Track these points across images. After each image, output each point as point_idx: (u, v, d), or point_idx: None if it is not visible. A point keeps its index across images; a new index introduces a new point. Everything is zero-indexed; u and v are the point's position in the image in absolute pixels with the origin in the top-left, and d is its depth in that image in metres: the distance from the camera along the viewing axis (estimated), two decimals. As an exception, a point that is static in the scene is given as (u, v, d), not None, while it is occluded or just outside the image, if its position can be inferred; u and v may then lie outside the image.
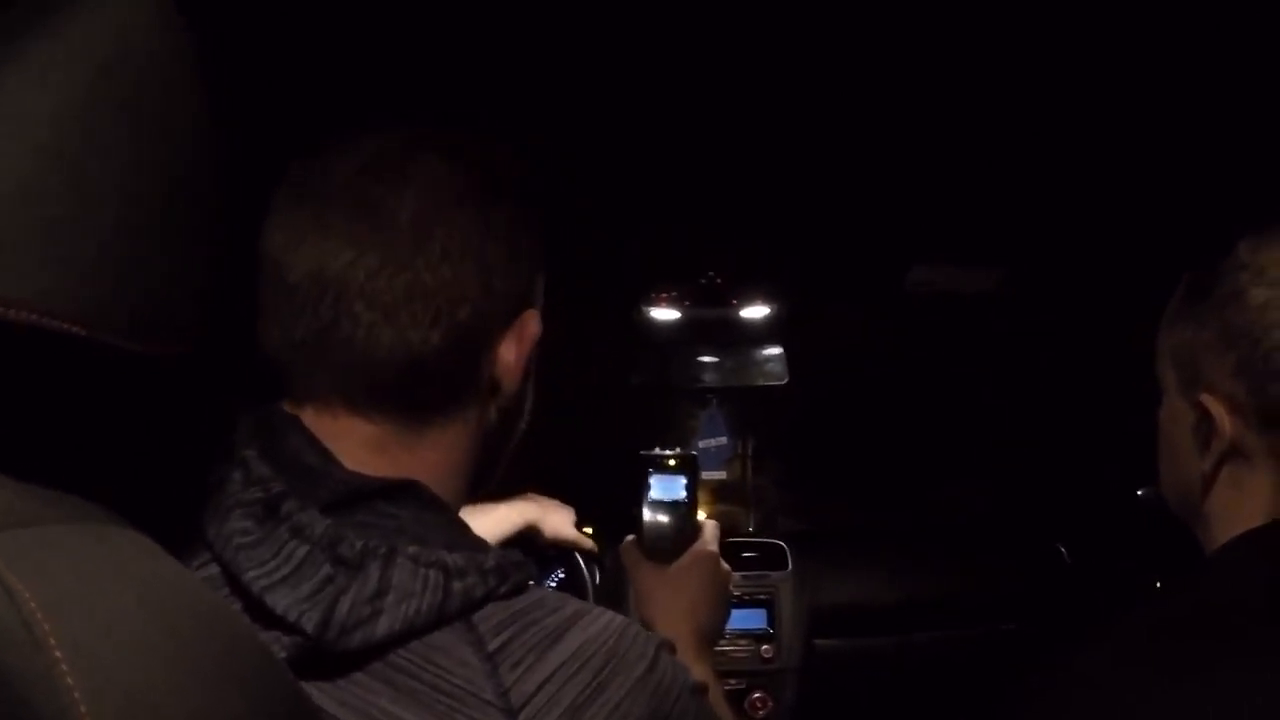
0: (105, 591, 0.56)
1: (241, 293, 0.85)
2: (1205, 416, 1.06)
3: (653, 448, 1.63)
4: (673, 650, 0.89)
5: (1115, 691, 0.97)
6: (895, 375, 2.70)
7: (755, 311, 2.30)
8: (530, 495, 1.38)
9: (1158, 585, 2.19)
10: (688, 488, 1.56)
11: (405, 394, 0.85)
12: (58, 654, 0.50)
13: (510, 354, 0.90)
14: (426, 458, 0.88)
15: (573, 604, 0.84)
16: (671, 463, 1.60)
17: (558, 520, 1.80)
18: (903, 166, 1.83)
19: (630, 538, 1.44)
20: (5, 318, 0.55)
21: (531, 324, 0.91)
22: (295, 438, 0.84)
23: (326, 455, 0.83)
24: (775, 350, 2.42)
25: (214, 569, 0.77)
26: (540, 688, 0.77)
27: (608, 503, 2.67)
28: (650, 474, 1.57)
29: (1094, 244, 2.08)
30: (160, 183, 0.65)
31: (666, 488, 1.57)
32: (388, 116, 0.91)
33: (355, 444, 0.85)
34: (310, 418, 0.85)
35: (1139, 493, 2.32)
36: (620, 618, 0.86)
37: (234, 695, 0.59)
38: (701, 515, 1.48)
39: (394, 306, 0.82)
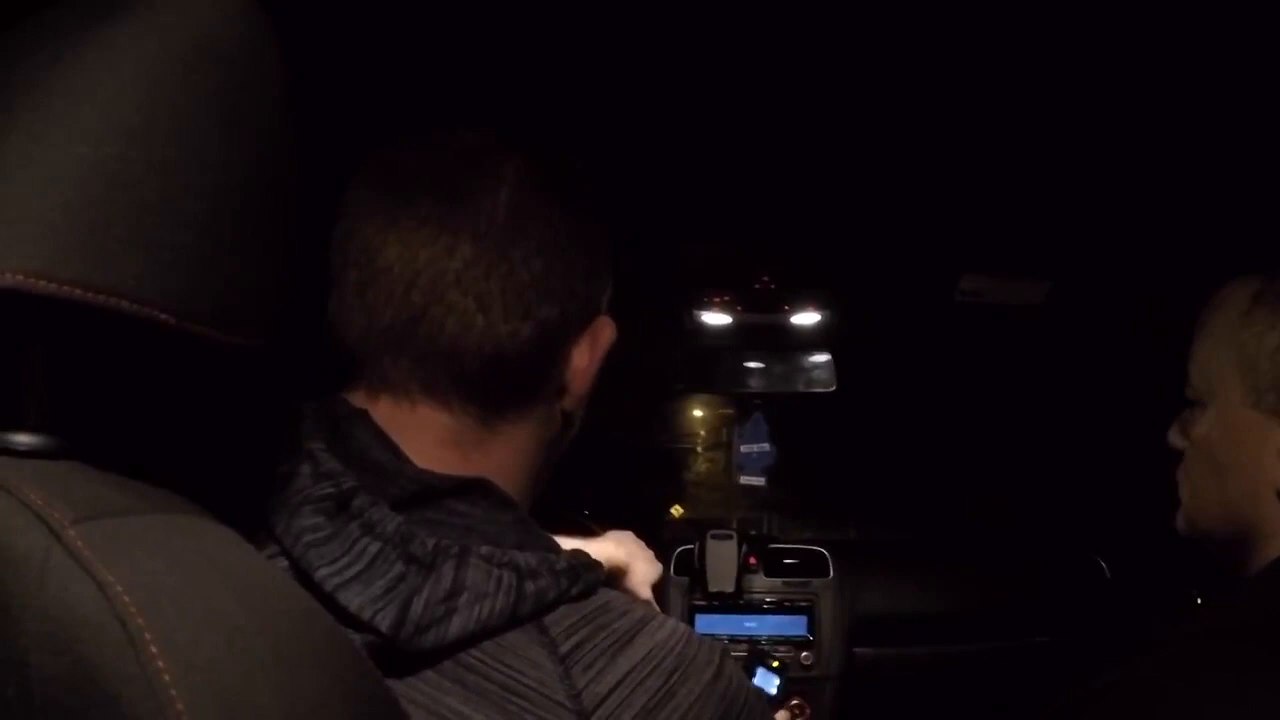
0: (200, 584, 0.55)
1: (303, 288, 0.85)
2: None
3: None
4: (732, 655, 0.90)
5: (1169, 698, 0.97)
6: (941, 385, 2.69)
7: (806, 318, 2.30)
8: (630, 535, 1.38)
9: (1198, 600, 2.17)
10: (780, 686, 1.79)
11: (488, 386, 0.85)
12: (153, 649, 0.50)
13: (584, 358, 0.90)
14: (498, 455, 0.88)
15: (640, 607, 0.85)
16: (775, 663, 1.82)
17: (643, 573, 1.75)
18: (955, 178, 1.83)
19: None
20: (96, 304, 0.55)
21: (607, 330, 0.92)
22: (363, 432, 0.83)
23: (396, 451, 0.82)
24: (824, 357, 2.42)
25: (282, 564, 0.76)
26: (612, 691, 0.76)
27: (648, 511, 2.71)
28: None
29: (1139, 260, 2.07)
30: (245, 174, 0.65)
31: (764, 680, 1.61)
32: (457, 118, 0.91)
33: (430, 438, 0.84)
34: (385, 409, 0.85)
35: None
36: (684, 624, 0.86)
37: (332, 691, 0.59)
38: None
39: (489, 297, 0.82)
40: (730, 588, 2.27)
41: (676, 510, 2.89)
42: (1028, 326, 2.39)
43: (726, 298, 2.18)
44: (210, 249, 0.62)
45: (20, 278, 0.53)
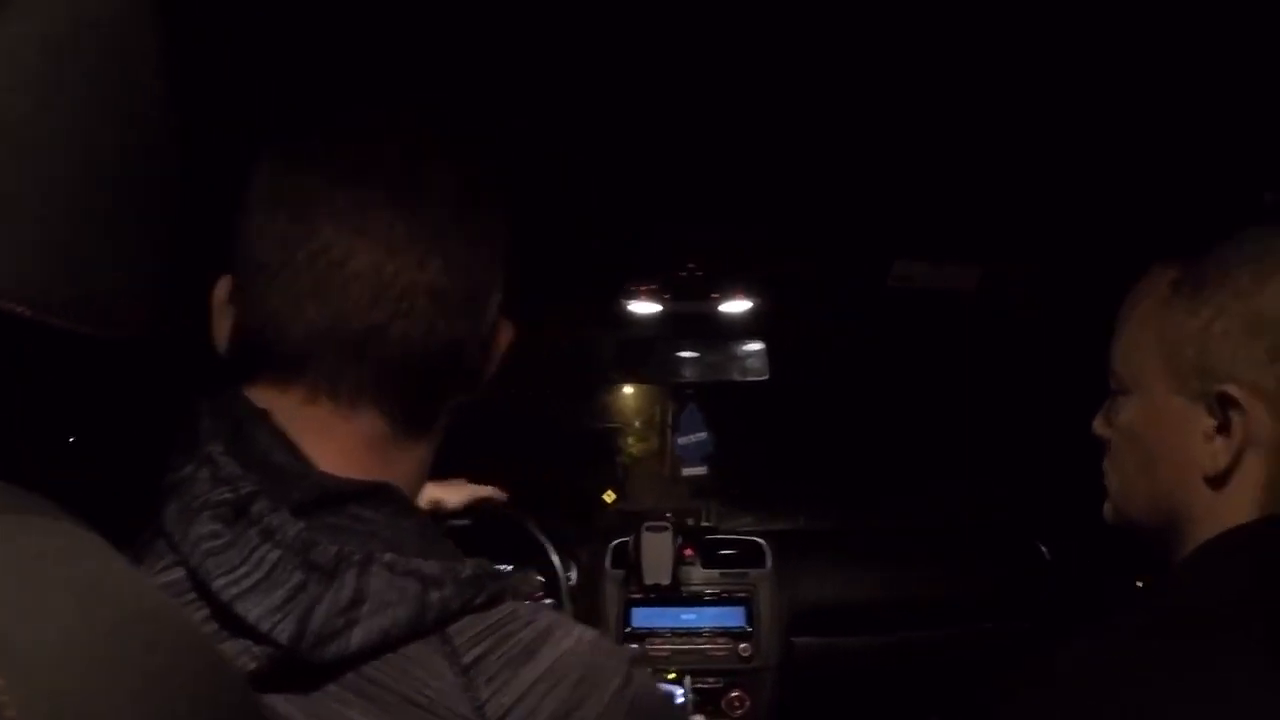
0: (38, 587, 0.53)
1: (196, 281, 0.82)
2: (1227, 408, 1.02)
3: None
4: (643, 664, 0.88)
5: (1090, 691, 0.96)
6: (876, 373, 2.70)
7: (736, 306, 2.29)
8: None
9: (1139, 585, 2.18)
10: None
11: (436, 392, 0.86)
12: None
13: (492, 358, 0.91)
14: (413, 460, 0.87)
15: (546, 616, 0.82)
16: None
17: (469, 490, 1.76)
18: (886, 164, 1.82)
19: None
20: None
21: (510, 329, 0.93)
22: (265, 434, 0.80)
23: (299, 454, 0.80)
24: (756, 346, 2.41)
25: (179, 573, 0.73)
26: (517, 702, 0.75)
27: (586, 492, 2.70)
28: None
29: (1073, 245, 2.08)
30: (120, 161, 0.62)
31: None
32: (369, 100, 0.90)
33: (348, 444, 0.82)
34: (294, 408, 0.82)
35: None
36: (593, 632, 0.84)
37: (180, 707, 0.56)
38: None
39: (452, 308, 0.83)
40: (666, 580, 2.26)
41: (609, 496, 2.88)
42: (963, 311, 2.38)
43: (653, 286, 2.17)
44: (77, 240, 0.59)
45: None
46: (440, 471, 1.01)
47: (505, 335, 0.92)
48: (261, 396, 0.82)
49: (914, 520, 2.74)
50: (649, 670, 0.86)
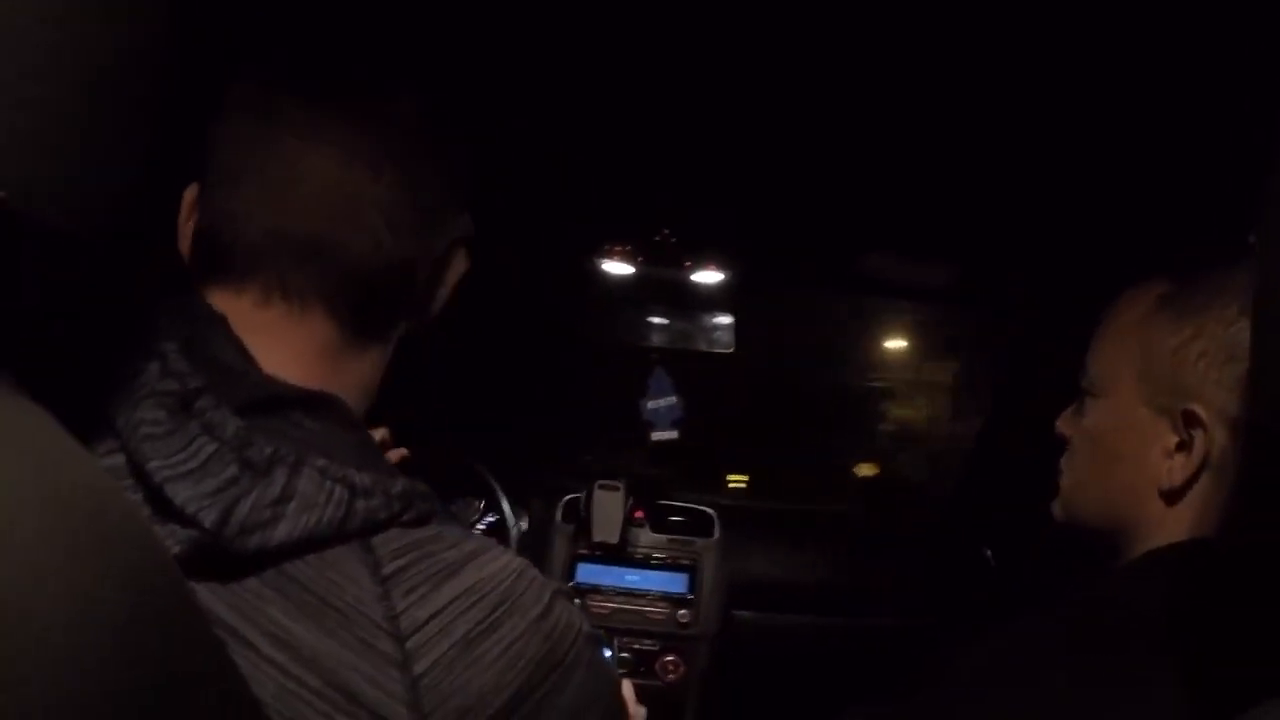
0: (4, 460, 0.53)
1: (168, 182, 0.85)
2: (1190, 426, 1.05)
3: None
4: (569, 598, 0.90)
5: (992, 689, 0.99)
6: (840, 360, 2.71)
7: (707, 277, 2.31)
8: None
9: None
10: None
11: (378, 302, 0.89)
12: None
13: (444, 283, 0.96)
14: (358, 371, 0.91)
15: (474, 542, 0.84)
16: None
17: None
18: (870, 154, 1.83)
19: None
20: None
21: (464, 259, 0.97)
22: (218, 336, 0.83)
23: (249, 357, 0.83)
24: (725, 319, 2.43)
25: (119, 459, 0.75)
26: (432, 618, 0.76)
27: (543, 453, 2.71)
28: None
29: (1046, 252, 2.09)
30: (94, 52, 0.62)
31: None
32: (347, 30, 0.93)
33: (297, 350, 0.86)
34: (248, 311, 0.85)
35: None
36: (519, 560, 0.85)
37: (111, 583, 0.57)
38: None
39: (397, 220, 0.87)
40: (614, 539, 2.28)
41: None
42: (933, 309, 2.41)
43: (626, 248, 2.19)
44: (51, 129, 0.59)
45: None
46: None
47: (459, 266, 0.97)
48: (218, 299, 0.86)
49: (865, 507, 2.77)
50: (574, 604, 0.88)
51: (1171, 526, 1.08)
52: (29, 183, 0.58)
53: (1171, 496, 1.07)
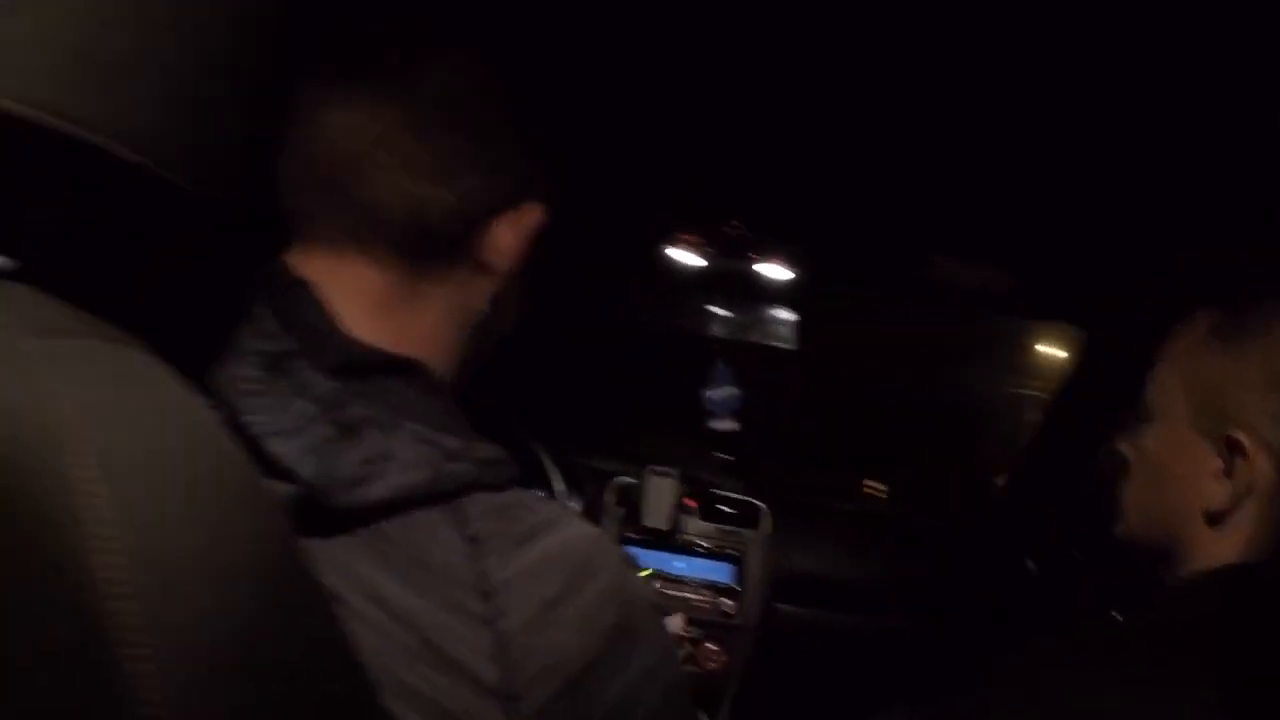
0: (139, 407, 0.57)
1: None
2: (1234, 453, 1.07)
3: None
4: (637, 569, 0.92)
5: (1041, 693, 1.01)
6: (900, 362, 2.71)
7: (774, 272, 2.32)
8: None
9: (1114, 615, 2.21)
10: None
11: (411, 243, 0.89)
12: (91, 459, 0.51)
13: (507, 236, 0.94)
14: (424, 322, 0.92)
15: (552, 507, 0.87)
16: None
17: None
18: (941, 158, 1.84)
19: None
20: (64, 130, 0.56)
21: (535, 214, 0.96)
22: (304, 299, 0.86)
23: (333, 319, 0.86)
24: (789, 314, 2.44)
25: (219, 414, 0.77)
26: (517, 579, 0.78)
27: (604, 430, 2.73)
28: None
29: (1109, 261, 2.09)
30: (227, 22, 0.65)
31: None
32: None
33: (362, 300, 0.88)
34: (319, 265, 0.88)
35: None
36: (595, 528, 0.88)
37: (239, 533, 0.59)
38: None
39: (413, 159, 0.87)
40: (665, 525, 2.30)
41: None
42: (996, 314, 2.40)
43: (696, 238, 2.20)
44: (187, 97, 0.63)
45: (11, 105, 0.54)
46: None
47: (529, 219, 0.96)
48: (297, 260, 0.89)
49: (919, 508, 2.77)
50: (641, 575, 0.91)
51: (1216, 549, 1.09)
52: (161, 145, 0.61)
53: (1216, 520, 1.09)
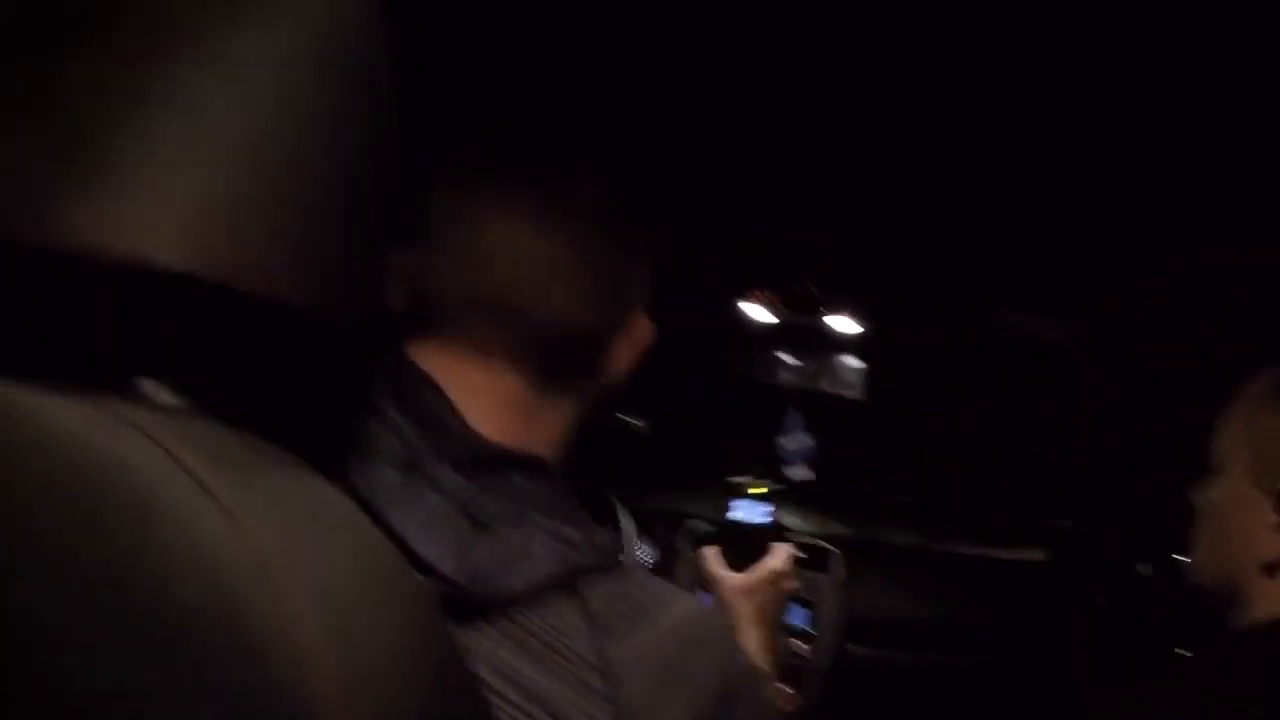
0: (325, 532, 0.60)
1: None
2: None
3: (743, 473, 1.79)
4: (735, 637, 0.99)
5: None
6: (967, 408, 2.73)
7: (843, 325, 2.36)
8: None
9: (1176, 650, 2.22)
10: (772, 514, 1.72)
11: (560, 361, 0.95)
12: (297, 589, 0.54)
13: (628, 350, 1.01)
14: (549, 425, 0.97)
15: (659, 583, 0.94)
16: (757, 490, 1.75)
17: None
18: (1008, 211, 1.88)
19: (711, 547, 1.58)
20: (242, 289, 0.60)
21: (648, 328, 1.03)
22: (430, 395, 0.89)
23: (459, 416, 0.89)
24: (857, 363, 2.49)
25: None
26: (633, 656, 0.84)
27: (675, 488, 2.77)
28: (735, 496, 1.73)
29: (1175, 315, 2.11)
30: (360, 157, 0.69)
31: (749, 511, 1.71)
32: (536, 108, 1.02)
33: (495, 401, 0.92)
34: (458, 368, 0.92)
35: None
36: (701, 604, 0.95)
37: (415, 635, 0.63)
38: None
39: (577, 285, 0.93)
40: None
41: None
42: (1061, 363, 2.41)
43: (769, 295, 2.25)
44: (332, 236, 0.66)
45: (183, 264, 0.58)
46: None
47: (642, 332, 1.02)
48: (423, 355, 0.93)
49: (990, 550, 2.78)
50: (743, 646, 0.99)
51: (1273, 599, 1.14)
52: (315, 284, 0.66)
53: (1272, 571, 1.15)
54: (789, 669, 2.29)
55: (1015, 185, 1.78)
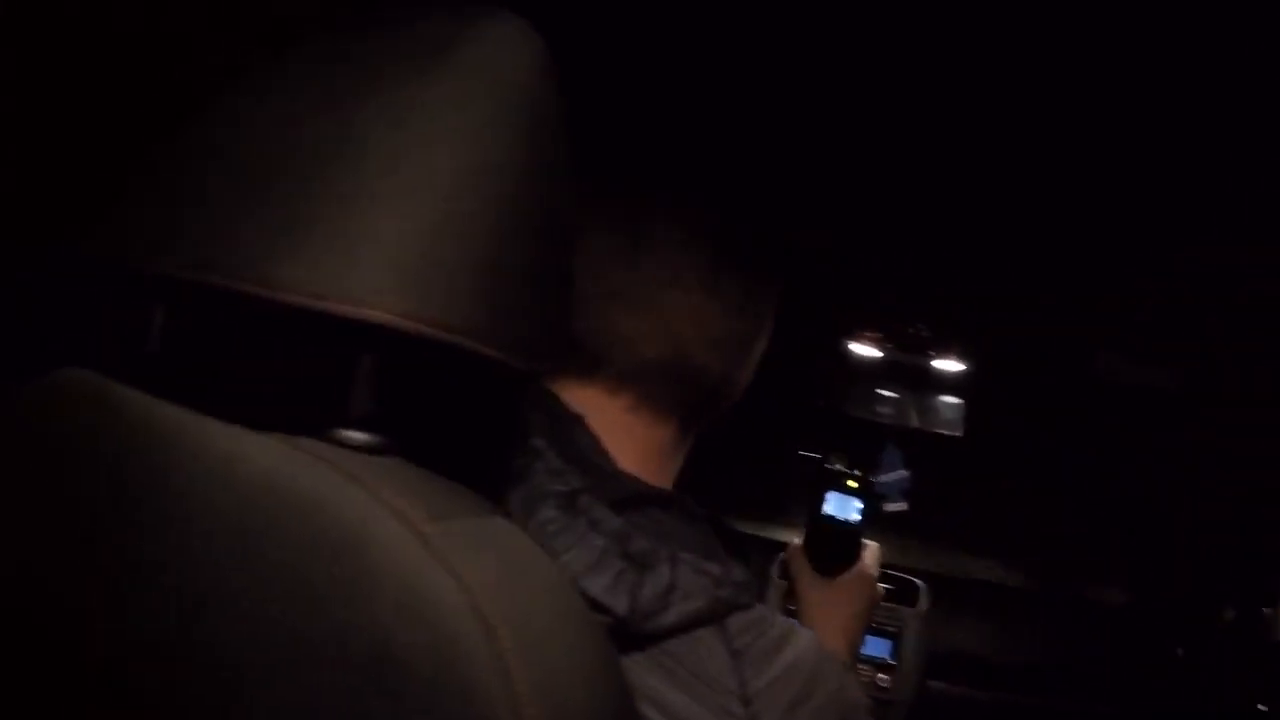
0: (523, 576, 0.62)
1: None
2: None
3: (834, 462, 1.75)
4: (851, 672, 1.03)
5: None
6: (1067, 452, 2.73)
7: (948, 365, 2.38)
8: None
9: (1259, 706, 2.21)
10: (862, 511, 1.69)
11: (704, 409, 1.03)
12: (509, 634, 0.55)
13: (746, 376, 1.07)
14: (677, 462, 1.06)
15: (785, 621, 0.98)
16: (851, 484, 1.73)
17: None
18: (1113, 257, 1.90)
19: (798, 543, 1.59)
20: (448, 342, 0.63)
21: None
22: (583, 436, 0.95)
23: (609, 457, 0.96)
24: (956, 401, 2.51)
25: None
26: (767, 686, 0.89)
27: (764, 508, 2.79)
28: (828, 489, 1.71)
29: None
30: (549, 208, 0.72)
31: (841, 506, 1.69)
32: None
33: (642, 447, 1.00)
34: (610, 413, 0.99)
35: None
36: (819, 642, 0.98)
37: (601, 671, 0.65)
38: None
39: (738, 343, 1.01)
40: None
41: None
42: (1163, 410, 2.41)
43: (878, 335, 2.27)
44: (525, 288, 0.69)
45: (392, 316, 0.61)
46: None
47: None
48: (584, 397, 0.99)
49: (1080, 592, 2.78)
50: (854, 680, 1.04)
51: None
52: (509, 336, 0.68)
53: None
54: (871, 701, 2.32)
55: (1120, 231, 1.80)
